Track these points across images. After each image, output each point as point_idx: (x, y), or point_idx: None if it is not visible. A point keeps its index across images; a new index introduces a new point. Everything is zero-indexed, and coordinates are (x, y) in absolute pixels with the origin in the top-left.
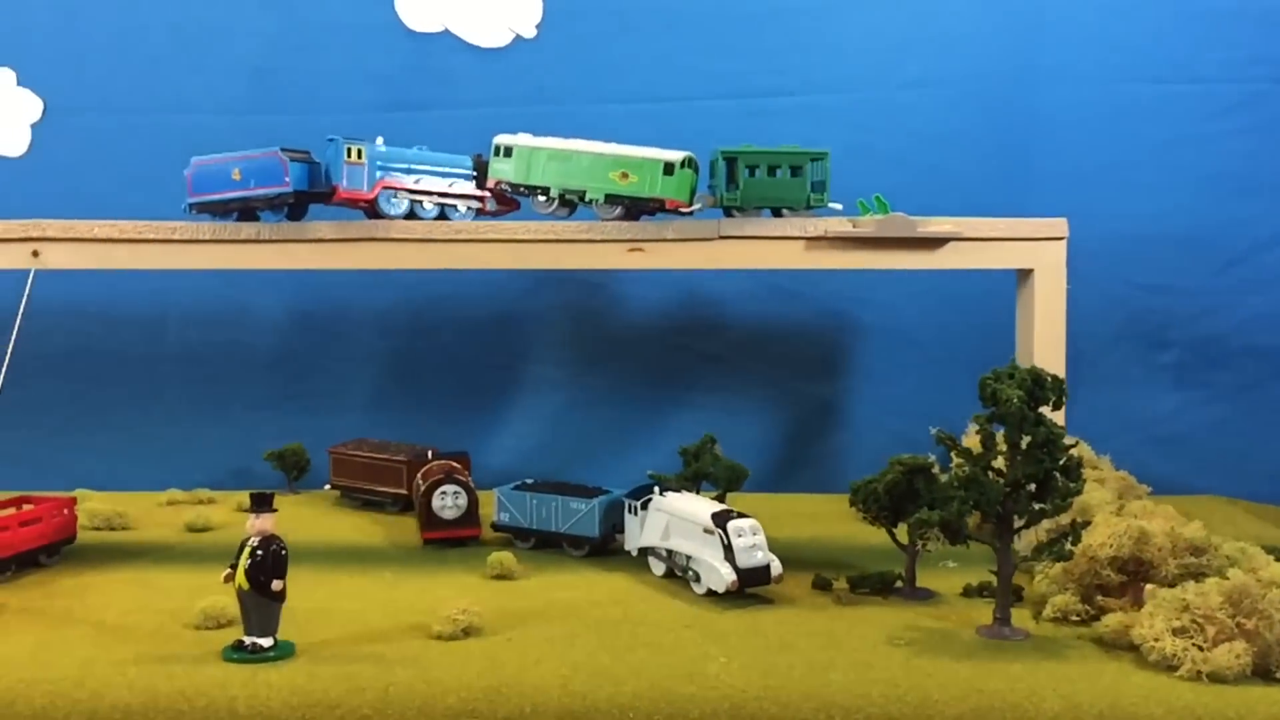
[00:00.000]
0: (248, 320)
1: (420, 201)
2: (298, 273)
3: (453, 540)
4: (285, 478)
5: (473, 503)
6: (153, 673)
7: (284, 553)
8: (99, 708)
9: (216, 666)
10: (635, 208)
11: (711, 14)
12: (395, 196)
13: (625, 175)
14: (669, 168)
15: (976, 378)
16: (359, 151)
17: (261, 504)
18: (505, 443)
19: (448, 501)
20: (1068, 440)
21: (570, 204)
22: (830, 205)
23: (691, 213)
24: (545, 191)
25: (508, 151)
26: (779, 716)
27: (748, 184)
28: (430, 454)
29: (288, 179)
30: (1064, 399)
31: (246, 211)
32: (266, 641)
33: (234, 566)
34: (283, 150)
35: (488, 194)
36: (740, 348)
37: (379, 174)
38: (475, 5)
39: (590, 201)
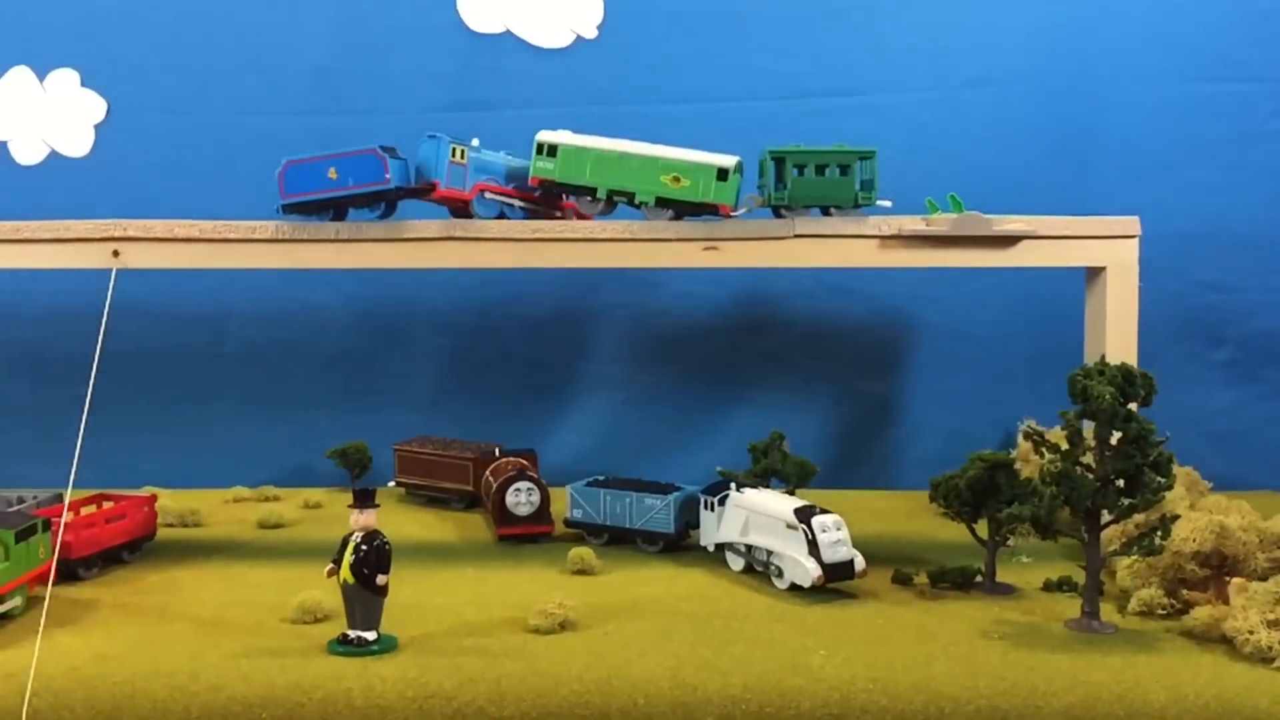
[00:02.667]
0: (309, 318)
1: (511, 204)
2: (358, 271)
3: (527, 536)
4: (348, 475)
5: (545, 499)
6: (265, 666)
7: (387, 547)
8: (216, 700)
9: (325, 659)
10: (685, 212)
11: (771, 14)
12: (487, 197)
13: (677, 179)
14: (722, 174)
15: (1033, 375)
16: (462, 152)
17: (365, 500)
18: (565, 440)
19: (521, 498)
20: (1158, 436)
21: (613, 203)
22: (879, 203)
23: (736, 215)
24: (592, 192)
25: (551, 150)
26: (889, 708)
27: (795, 183)
28: (497, 451)
29: (388, 175)
30: (1153, 395)
31: (340, 210)
32: (370, 635)
33: (337, 561)
34: (380, 148)
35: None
36: (798, 345)
37: (478, 176)
38: (537, 6)
39: (640, 204)
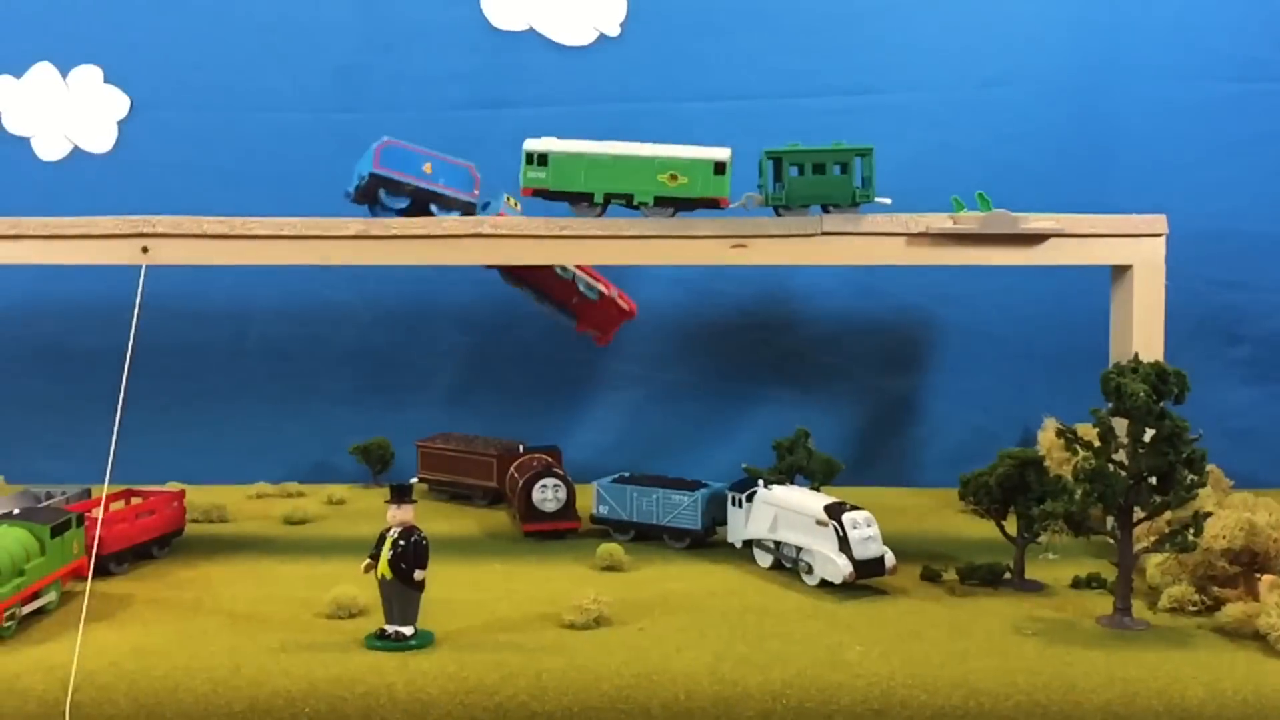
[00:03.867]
0: (330, 315)
1: None
2: (379, 268)
3: (553, 533)
4: (370, 471)
5: (571, 495)
6: (305, 661)
7: (425, 543)
8: (259, 695)
9: (364, 654)
10: (683, 208)
11: (793, 12)
12: None
13: (674, 177)
14: (719, 167)
15: (1053, 373)
16: (516, 203)
17: (402, 495)
18: (585, 437)
19: (548, 494)
20: (1191, 434)
21: (607, 206)
22: (878, 200)
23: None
24: (589, 198)
25: (542, 159)
26: (929, 703)
27: (793, 182)
28: (521, 448)
29: (476, 192)
30: (1186, 393)
31: (420, 202)
32: (408, 630)
33: (374, 557)
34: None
35: None
36: (818, 342)
37: None
38: (560, 3)
39: (639, 205)
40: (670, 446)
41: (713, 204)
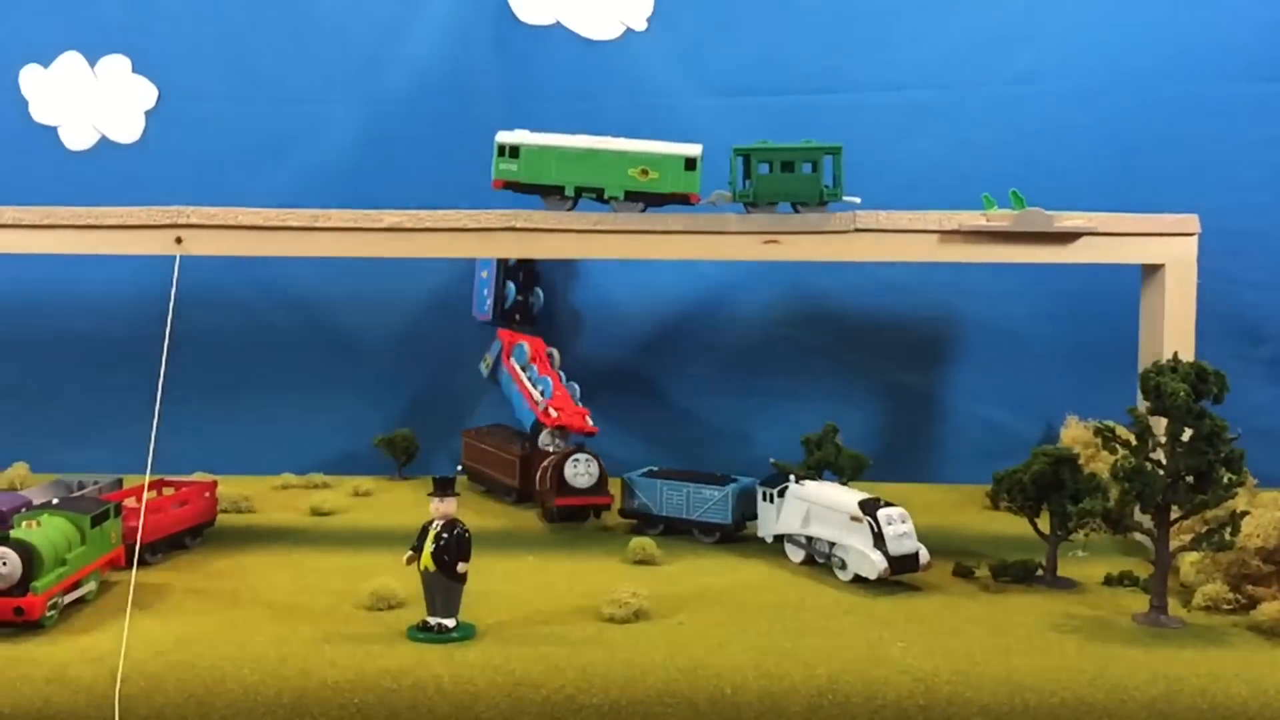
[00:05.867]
0: (353, 307)
1: None
2: (406, 261)
3: (585, 509)
4: (395, 463)
5: (603, 473)
6: (351, 652)
7: (468, 535)
8: (308, 685)
9: (409, 646)
10: (654, 203)
11: (820, 8)
12: None
13: (645, 172)
14: (690, 163)
15: (1075, 371)
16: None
17: (445, 488)
18: (613, 432)
19: (580, 469)
20: (1230, 433)
21: (578, 200)
22: (846, 199)
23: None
24: (559, 191)
25: (513, 151)
26: (974, 700)
27: (761, 179)
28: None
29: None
30: (1225, 393)
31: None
32: (450, 622)
33: (416, 549)
34: None
35: None
36: (842, 339)
37: None
38: None
39: (609, 199)
40: (695, 440)
41: (683, 199)
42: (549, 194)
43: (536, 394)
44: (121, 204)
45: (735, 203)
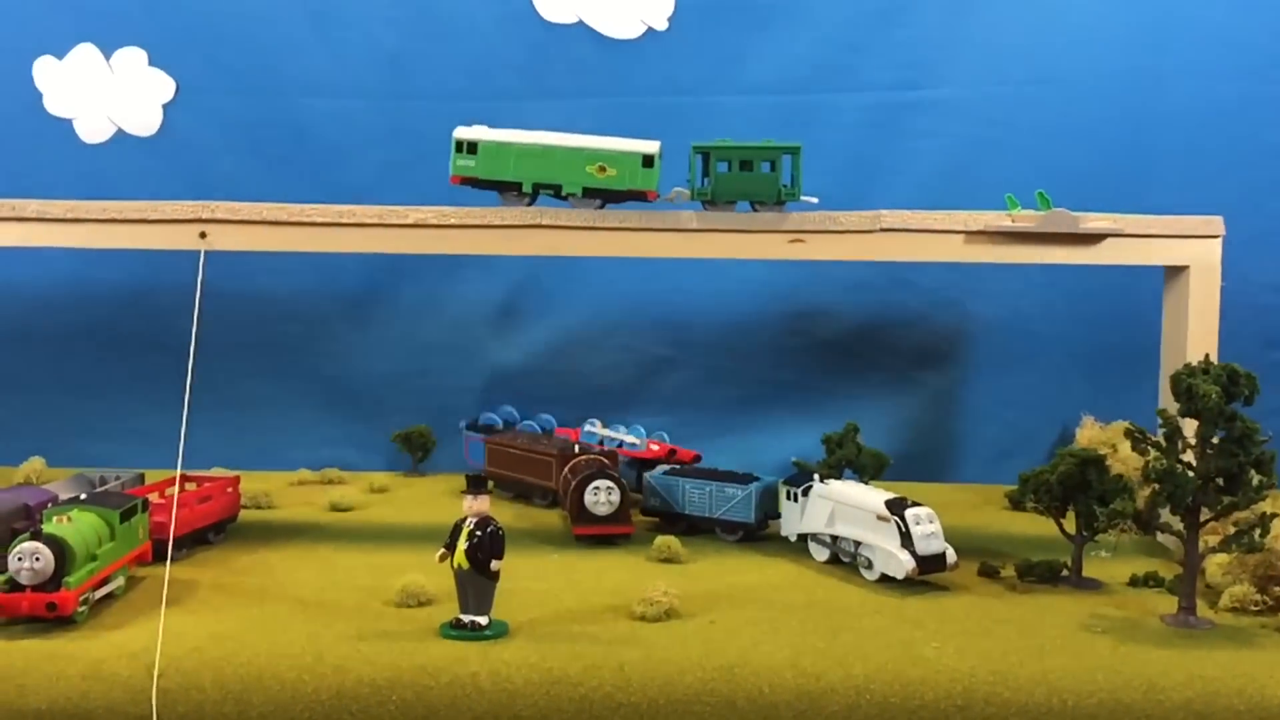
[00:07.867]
0: (368, 304)
1: None
2: (424, 258)
3: (604, 538)
4: (411, 459)
5: (625, 499)
6: (385, 649)
7: (501, 534)
8: (345, 683)
9: (442, 643)
10: (611, 200)
11: (840, 9)
12: None
13: (603, 169)
14: (648, 160)
15: (1092, 371)
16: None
17: (478, 486)
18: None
19: (600, 497)
20: (1261, 436)
21: (535, 196)
22: (804, 199)
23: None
24: (517, 187)
25: (471, 147)
26: (1011, 700)
27: (720, 178)
28: (577, 448)
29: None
30: (1255, 395)
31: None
32: (483, 620)
33: (449, 547)
34: None
35: None
36: (857, 336)
37: None
38: None
39: (567, 195)
40: (709, 437)
41: (640, 196)
42: (506, 190)
43: (630, 439)
44: (138, 198)
45: (694, 200)
